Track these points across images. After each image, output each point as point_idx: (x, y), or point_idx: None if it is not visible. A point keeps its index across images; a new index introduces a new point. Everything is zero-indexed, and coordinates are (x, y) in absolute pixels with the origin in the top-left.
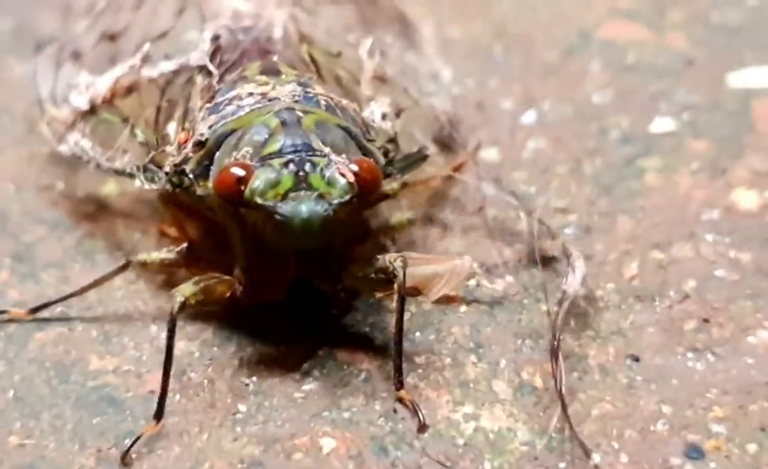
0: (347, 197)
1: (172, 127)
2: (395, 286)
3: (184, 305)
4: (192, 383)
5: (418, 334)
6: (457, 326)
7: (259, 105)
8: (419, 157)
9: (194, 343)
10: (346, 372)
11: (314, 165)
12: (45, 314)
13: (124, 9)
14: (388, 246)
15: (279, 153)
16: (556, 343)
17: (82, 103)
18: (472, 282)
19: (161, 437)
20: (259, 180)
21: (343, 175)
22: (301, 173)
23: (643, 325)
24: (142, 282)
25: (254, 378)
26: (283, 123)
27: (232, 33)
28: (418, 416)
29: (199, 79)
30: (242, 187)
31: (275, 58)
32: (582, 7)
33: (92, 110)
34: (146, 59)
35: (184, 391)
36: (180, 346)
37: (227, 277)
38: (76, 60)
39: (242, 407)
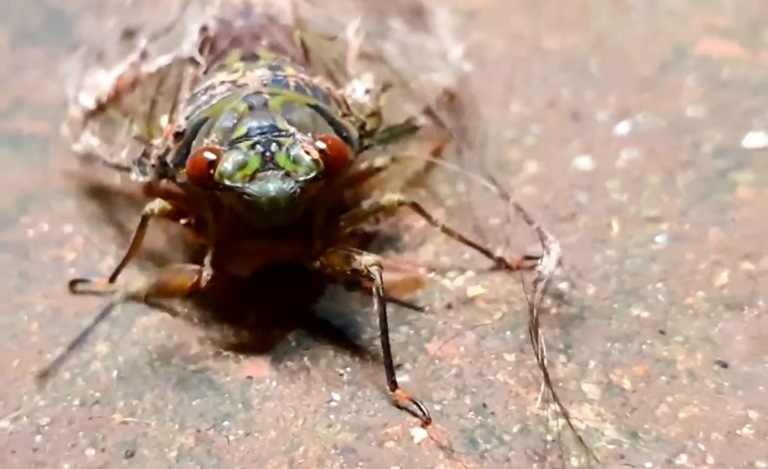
0: (313, 174)
1: (164, 120)
2: (373, 289)
3: (129, 298)
4: (288, 371)
5: (508, 333)
6: (547, 327)
7: (229, 92)
8: (406, 129)
9: (291, 332)
10: (438, 367)
11: (280, 145)
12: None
13: (144, 4)
14: (371, 226)
15: (246, 136)
16: (534, 320)
17: (90, 102)
18: (564, 285)
19: (258, 421)
20: (227, 162)
21: (308, 152)
22: (267, 154)
23: (731, 332)
24: None
25: (348, 369)
26: (251, 107)
27: (223, 22)
28: (422, 411)
29: (190, 70)
30: (212, 171)
31: (263, 43)
32: (679, 24)
33: (100, 108)
34: (145, 55)
35: (281, 378)
36: (276, 335)
37: (189, 268)
38: (100, 60)
39: (336, 396)
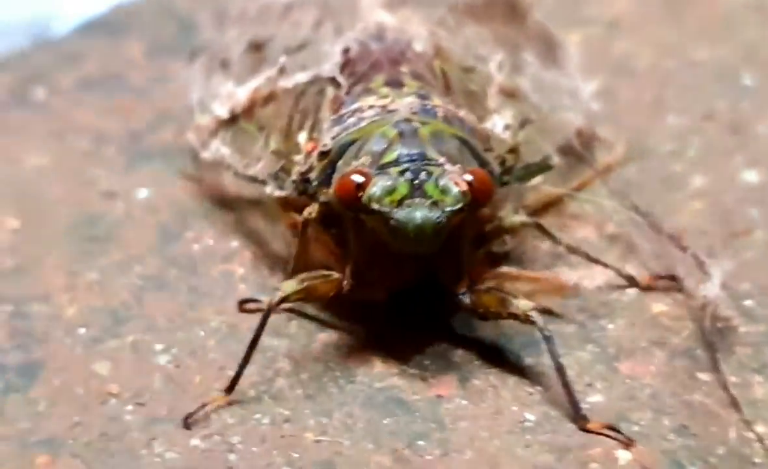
0: (459, 205)
1: (302, 137)
2: (540, 333)
3: (282, 301)
4: (476, 390)
5: (698, 351)
6: (739, 346)
7: (378, 117)
8: (542, 167)
9: (472, 350)
10: (630, 386)
11: (429, 174)
12: (153, 308)
13: (271, 19)
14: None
15: (396, 162)
16: (710, 346)
17: (224, 112)
18: (749, 302)
19: (454, 441)
20: (376, 187)
21: (456, 184)
22: (416, 181)
23: None
24: None
25: (538, 388)
26: (401, 133)
27: (363, 45)
28: (621, 436)
29: (330, 91)
30: (360, 194)
31: (403, 69)
32: None
33: (233, 119)
34: (282, 71)
35: (470, 397)
36: (459, 353)
37: (335, 275)
38: (224, 69)
39: (529, 416)
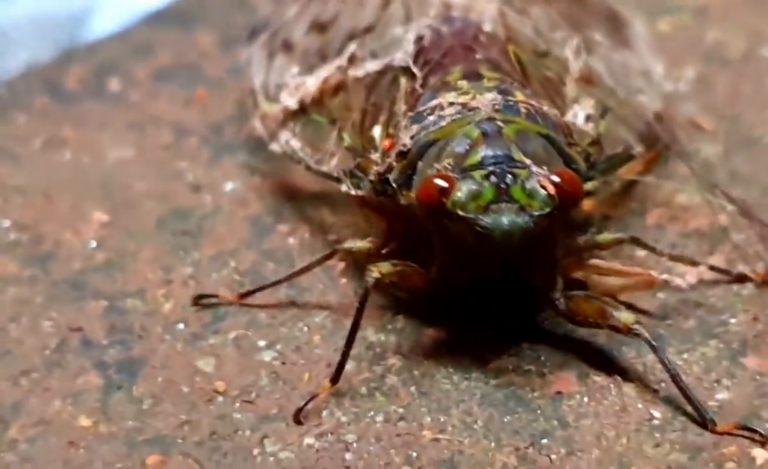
0: (548, 209)
1: (377, 132)
2: (648, 346)
3: (377, 282)
4: (598, 387)
5: None
6: None
7: (459, 115)
8: (624, 157)
9: (590, 347)
10: (760, 382)
11: (515, 177)
12: (255, 302)
13: None
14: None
15: (480, 165)
16: None
17: (292, 102)
18: None
19: (579, 440)
20: (461, 192)
21: (544, 187)
22: (502, 185)
23: None
24: None
25: (662, 384)
26: (484, 134)
27: (435, 31)
28: (758, 433)
29: (403, 82)
30: (444, 199)
31: (478, 57)
32: None
33: (302, 110)
34: (353, 59)
35: (591, 393)
36: (576, 349)
37: (423, 270)
38: (287, 51)
39: (656, 413)
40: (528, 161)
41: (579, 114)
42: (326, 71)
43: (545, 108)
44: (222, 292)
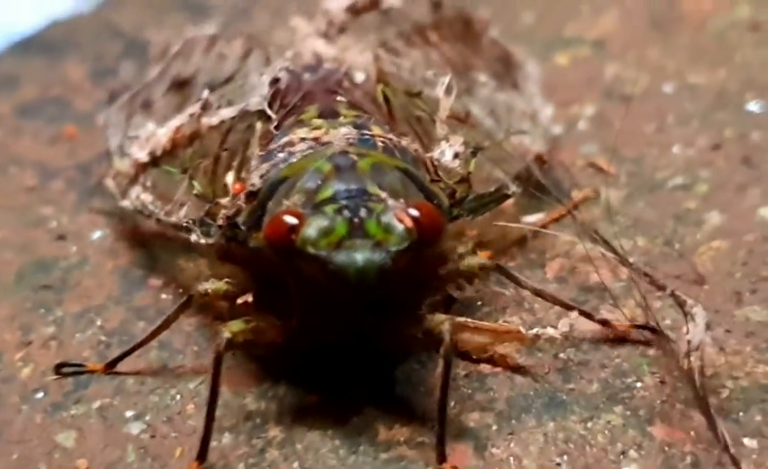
0: (406, 244)
1: (230, 178)
2: (441, 350)
3: (231, 343)
4: (495, 460)
5: (741, 414)
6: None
7: (311, 150)
8: (498, 197)
9: (489, 414)
10: (669, 455)
11: (370, 211)
12: (123, 367)
13: (194, 53)
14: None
15: (332, 199)
16: (701, 397)
17: (143, 155)
18: None
19: None
20: (311, 228)
21: (401, 220)
22: (356, 220)
23: None
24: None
25: (565, 458)
26: (337, 168)
27: (294, 75)
28: None
29: (259, 125)
30: (294, 236)
31: (339, 98)
32: None
33: (154, 162)
34: (207, 107)
35: (489, 467)
36: (474, 417)
37: (280, 322)
38: (146, 109)
39: None
40: (384, 195)
41: (447, 151)
42: (178, 120)
43: (404, 143)
44: (87, 360)
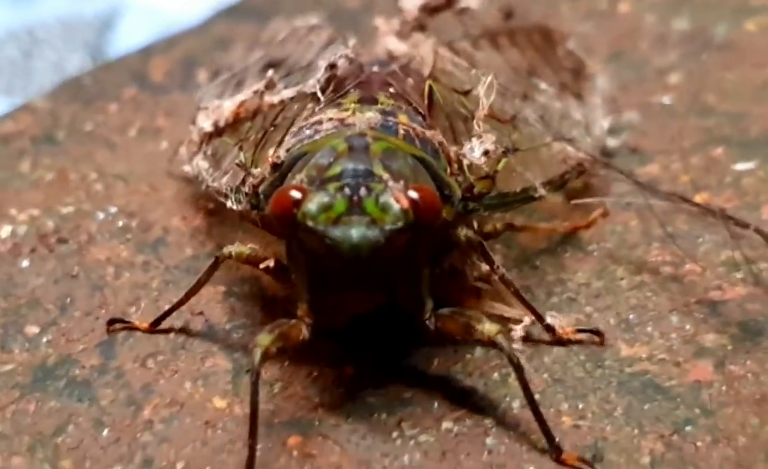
0: (400, 224)
1: (271, 151)
2: (507, 360)
3: (265, 356)
4: (734, 376)
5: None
6: None
7: (335, 130)
8: (521, 198)
9: (723, 336)
10: None
11: (370, 190)
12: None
13: (292, 40)
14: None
15: (338, 177)
16: None
17: (207, 124)
18: None
19: (721, 427)
20: (311, 203)
21: (398, 201)
22: (355, 198)
23: None
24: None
25: None
26: (351, 148)
27: (356, 64)
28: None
29: (309, 106)
30: (296, 210)
31: (388, 88)
32: None
33: (218, 132)
34: (270, 85)
35: (730, 382)
36: (710, 338)
37: (294, 320)
38: (237, 89)
39: None
40: (387, 176)
41: (476, 148)
42: (243, 96)
43: (428, 133)
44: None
